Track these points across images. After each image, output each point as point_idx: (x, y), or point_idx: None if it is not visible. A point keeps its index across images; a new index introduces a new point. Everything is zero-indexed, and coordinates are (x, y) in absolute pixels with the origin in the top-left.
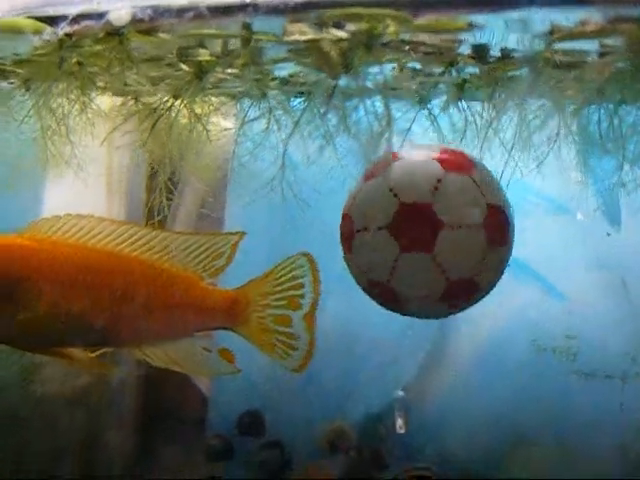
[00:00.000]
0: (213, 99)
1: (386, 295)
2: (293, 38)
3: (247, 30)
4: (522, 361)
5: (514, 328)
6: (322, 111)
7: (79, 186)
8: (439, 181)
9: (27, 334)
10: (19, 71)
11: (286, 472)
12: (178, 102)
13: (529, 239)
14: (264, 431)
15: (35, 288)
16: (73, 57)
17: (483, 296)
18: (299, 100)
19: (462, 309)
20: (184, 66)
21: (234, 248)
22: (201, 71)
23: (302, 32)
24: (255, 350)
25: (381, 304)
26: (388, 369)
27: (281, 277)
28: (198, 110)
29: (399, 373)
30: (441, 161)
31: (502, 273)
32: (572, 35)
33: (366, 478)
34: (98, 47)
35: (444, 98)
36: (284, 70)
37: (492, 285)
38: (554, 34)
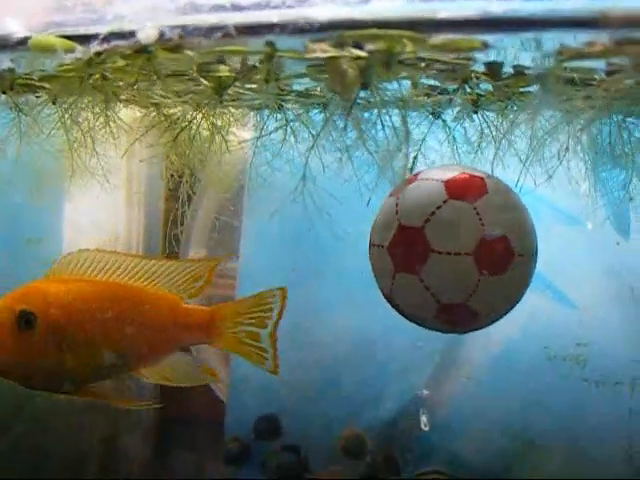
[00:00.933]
0: (232, 110)
1: (392, 306)
2: (314, 55)
3: (271, 47)
4: (533, 368)
5: (525, 336)
6: (340, 125)
7: (99, 197)
8: (438, 208)
9: (73, 377)
10: (46, 86)
11: (302, 476)
12: (199, 114)
13: (540, 249)
14: (281, 435)
15: (78, 331)
16: (98, 73)
17: (488, 321)
18: (316, 111)
19: (467, 331)
20: (204, 81)
21: (212, 272)
22: (220, 86)
23: (323, 50)
24: None
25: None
26: (403, 376)
27: (256, 302)
28: (217, 122)
29: (414, 380)
30: (448, 186)
31: (511, 301)
32: (580, 55)
33: None
34: (125, 63)
35: (457, 109)
36: (301, 85)
37: (497, 312)
38: (563, 54)
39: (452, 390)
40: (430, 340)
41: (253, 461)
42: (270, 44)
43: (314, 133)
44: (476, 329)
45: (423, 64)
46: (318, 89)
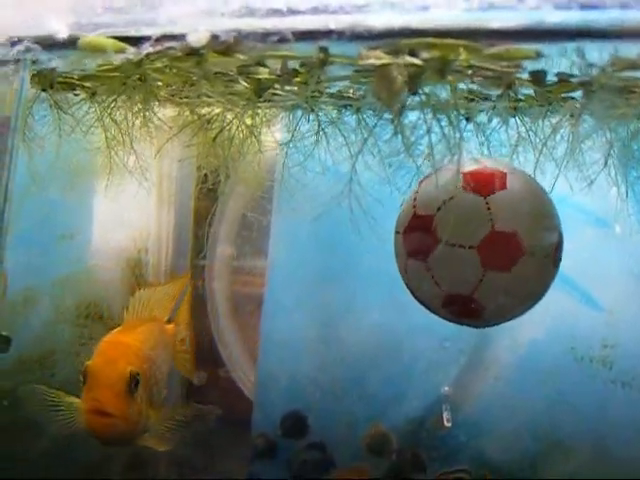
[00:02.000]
0: (266, 111)
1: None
2: (369, 62)
3: (324, 53)
4: (560, 368)
5: (552, 336)
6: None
7: (134, 196)
8: (451, 198)
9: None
10: (86, 84)
11: (328, 473)
12: (233, 115)
13: (568, 250)
14: (307, 432)
15: (155, 380)
16: (144, 73)
17: (497, 318)
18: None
19: (478, 325)
20: (243, 82)
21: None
22: (260, 87)
23: (377, 57)
24: (300, 353)
25: None
26: (429, 375)
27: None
28: (249, 121)
29: (440, 379)
30: (466, 178)
31: (521, 299)
32: (631, 66)
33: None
34: (167, 64)
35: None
36: (334, 87)
37: (505, 309)
38: (615, 65)
39: (479, 390)
40: (457, 340)
41: (279, 458)
42: (324, 50)
43: (347, 135)
44: (487, 324)
45: (470, 71)
46: (351, 91)
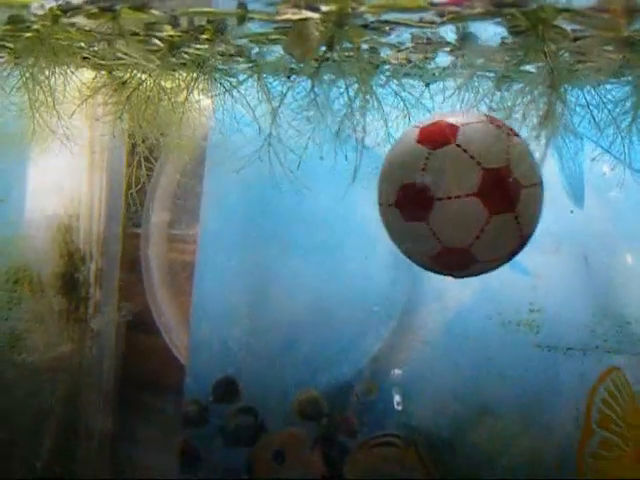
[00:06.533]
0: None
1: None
2: (286, 17)
3: (243, 9)
4: (487, 333)
5: (480, 301)
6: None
7: (62, 160)
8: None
9: None
10: (8, 45)
11: (260, 437)
12: (147, 76)
13: None
14: (238, 398)
15: None
16: (60, 32)
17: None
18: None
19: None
20: (157, 42)
21: None
22: (172, 47)
23: (294, 12)
24: (232, 319)
25: None
26: (359, 340)
27: None
28: (168, 84)
29: (369, 344)
30: (423, 137)
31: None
32: None
33: (336, 444)
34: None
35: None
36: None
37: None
38: None
39: (408, 355)
40: (385, 305)
41: (212, 424)
42: (242, 5)
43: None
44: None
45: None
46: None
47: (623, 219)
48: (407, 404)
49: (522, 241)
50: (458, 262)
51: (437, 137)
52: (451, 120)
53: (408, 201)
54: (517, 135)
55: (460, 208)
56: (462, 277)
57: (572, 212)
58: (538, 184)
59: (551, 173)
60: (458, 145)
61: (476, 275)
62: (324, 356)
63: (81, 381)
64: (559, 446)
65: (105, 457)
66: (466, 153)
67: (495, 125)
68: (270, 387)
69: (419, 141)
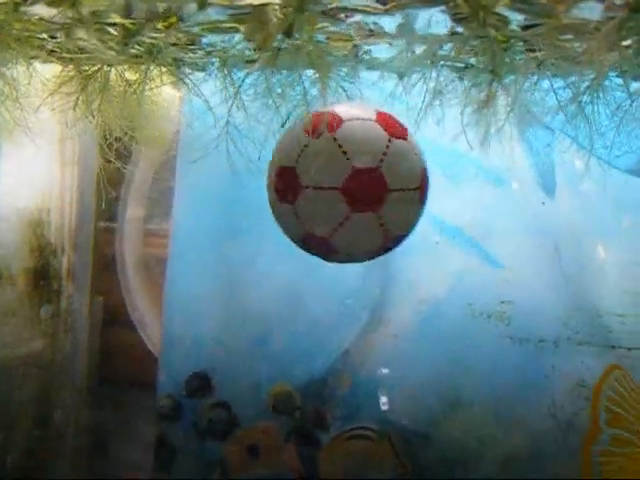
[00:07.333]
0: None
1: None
2: (245, 2)
3: None
4: (459, 325)
5: (452, 294)
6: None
7: (33, 155)
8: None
9: None
10: None
11: (233, 431)
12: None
13: (467, 208)
14: (212, 392)
15: None
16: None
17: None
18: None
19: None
20: (112, 30)
21: None
22: (127, 35)
23: None
24: (204, 313)
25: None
26: (331, 333)
27: None
28: (132, 76)
29: (342, 337)
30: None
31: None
32: None
33: (309, 437)
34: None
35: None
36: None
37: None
38: None
39: (381, 347)
40: (358, 298)
41: (185, 418)
42: None
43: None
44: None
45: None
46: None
47: (594, 211)
48: (380, 397)
49: (389, 240)
50: (320, 249)
51: (319, 127)
52: (340, 112)
53: (282, 184)
54: (404, 139)
55: (322, 199)
56: (332, 262)
57: (543, 203)
58: (414, 189)
59: (522, 165)
60: (335, 139)
61: (346, 262)
62: (297, 350)
63: (54, 376)
64: (533, 438)
65: (79, 452)
66: (340, 148)
67: (382, 125)
68: (243, 381)
69: (304, 128)
